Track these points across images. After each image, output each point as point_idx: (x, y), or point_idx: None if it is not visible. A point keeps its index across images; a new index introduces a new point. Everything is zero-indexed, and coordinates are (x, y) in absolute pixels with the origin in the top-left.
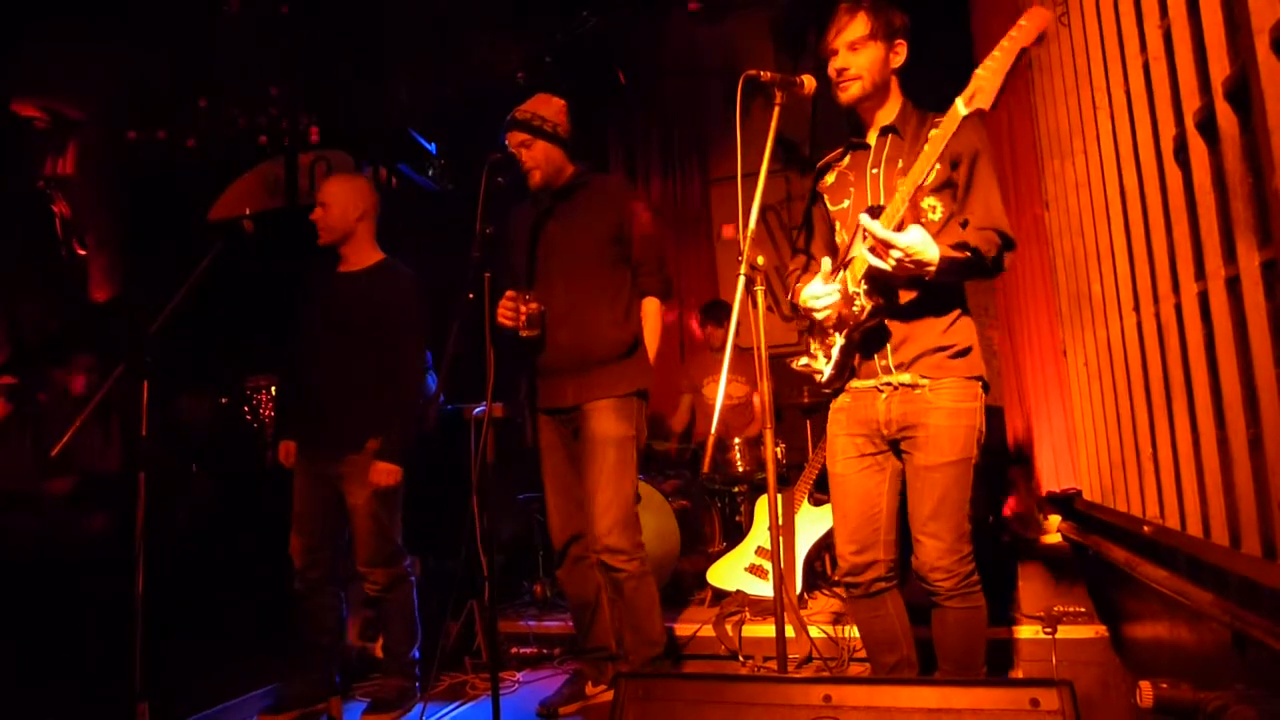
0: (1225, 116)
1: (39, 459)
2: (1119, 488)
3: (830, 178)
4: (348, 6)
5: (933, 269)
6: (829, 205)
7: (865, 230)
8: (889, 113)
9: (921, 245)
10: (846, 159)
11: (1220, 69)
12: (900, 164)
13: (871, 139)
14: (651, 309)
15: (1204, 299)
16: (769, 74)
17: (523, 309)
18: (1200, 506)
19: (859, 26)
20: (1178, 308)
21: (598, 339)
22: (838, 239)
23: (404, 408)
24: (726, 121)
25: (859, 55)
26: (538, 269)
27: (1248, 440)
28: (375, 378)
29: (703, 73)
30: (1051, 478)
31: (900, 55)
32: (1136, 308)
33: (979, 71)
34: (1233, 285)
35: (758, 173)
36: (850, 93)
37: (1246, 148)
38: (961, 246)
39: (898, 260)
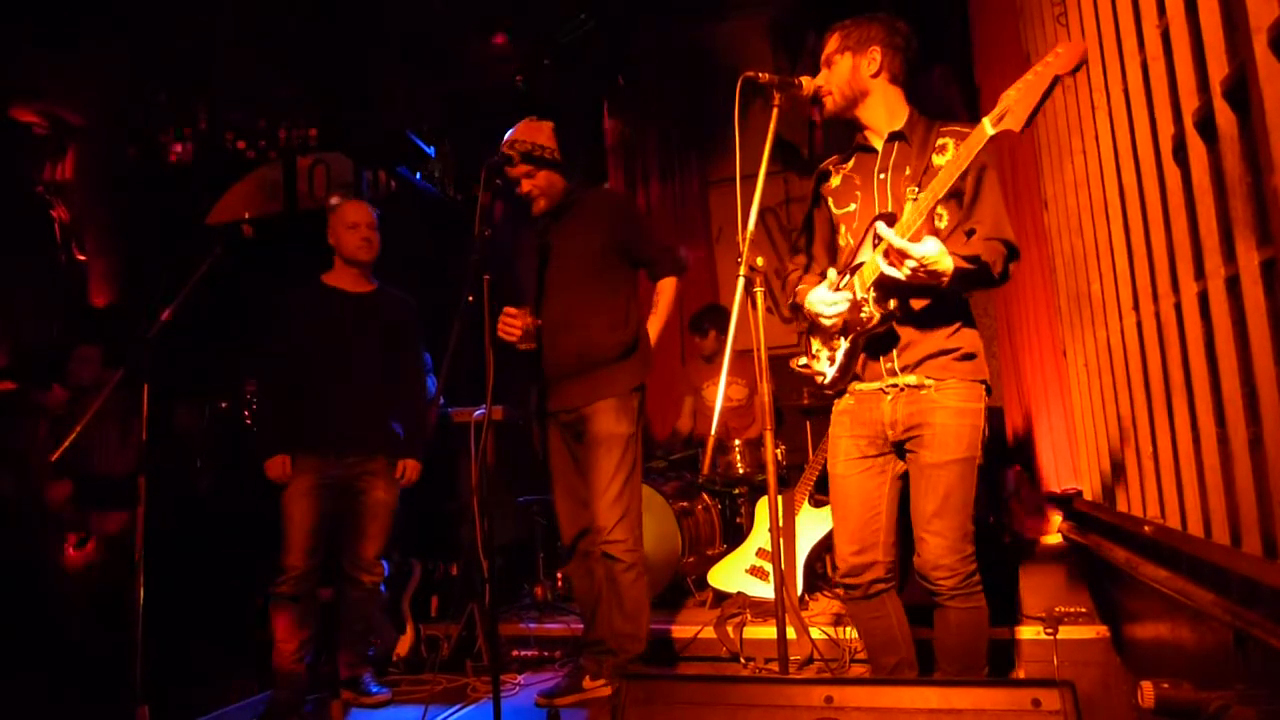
0: (1224, 116)
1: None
2: (1119, 488)
3: (835, 180)
4: (346, 8)
5: (946, 280)
6: (833, 208)
7: (881, 238)
8: (893, 119)
9: (936, 256)
10: (851, 162)
11: (1219, 68)
12: (908, 171)
13: (878, 144)
14: (668, 286)
15: (1203, 298)
16: (767, 75)
17: (520, 324)
18: (1201, 506)
19: (832, 43)
20: (1177, 307)
21: (599, 341)
22: (841, 241)
23: (423, 412)
24: (725, 123)
25: (831, 71)
26: (543, 287)
27: (1248, 439)
28: (392, 388)
29: (701, 75)
30: (1052, 478)
31: (874, 62)
32: (1136, 307)
33: (1009, 92)
34: (1232, 284)
35: (756, 175)
36: (825, 108)
37: (1245, 147)
38: (974, 260)
39: (912, 270)
